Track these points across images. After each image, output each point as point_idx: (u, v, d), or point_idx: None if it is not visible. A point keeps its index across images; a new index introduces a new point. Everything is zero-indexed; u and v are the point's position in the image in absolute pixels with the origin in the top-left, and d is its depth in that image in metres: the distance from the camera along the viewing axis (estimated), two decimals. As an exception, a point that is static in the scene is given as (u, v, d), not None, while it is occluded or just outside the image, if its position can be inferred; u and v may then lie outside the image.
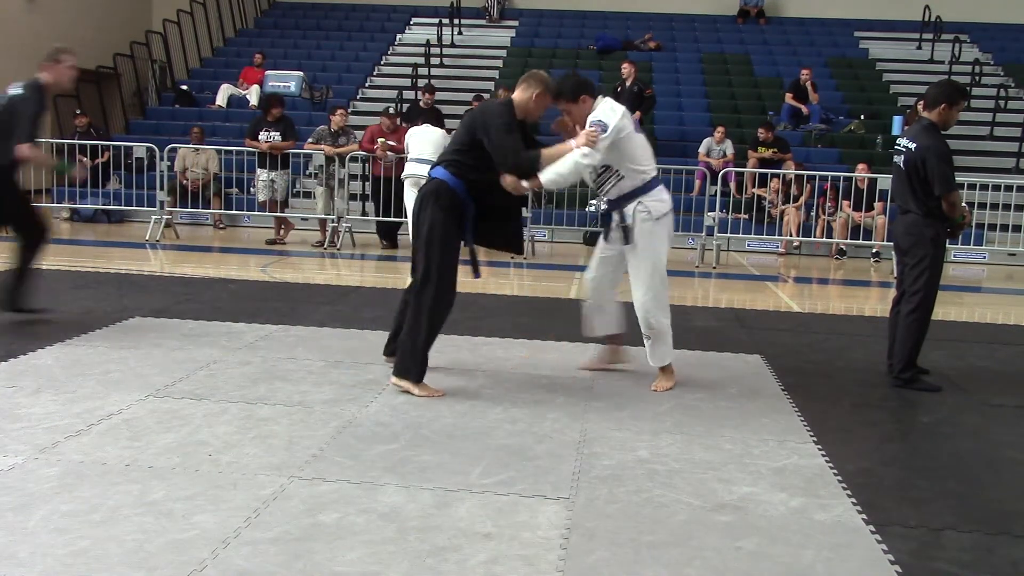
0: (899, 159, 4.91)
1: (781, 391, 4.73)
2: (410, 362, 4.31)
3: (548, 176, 4.31)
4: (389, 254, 10.28)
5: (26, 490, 3.06)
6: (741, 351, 5.58)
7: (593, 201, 6.56)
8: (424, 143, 9.53)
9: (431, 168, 4.46)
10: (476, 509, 3.06)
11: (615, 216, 4.55)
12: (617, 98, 13.52)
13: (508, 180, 4.25)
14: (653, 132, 13.99)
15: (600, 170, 4.46)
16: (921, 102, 12.96)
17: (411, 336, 4.30)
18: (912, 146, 4.81)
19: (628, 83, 12.62)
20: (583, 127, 4.39)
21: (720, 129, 12.52)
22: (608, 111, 4.36)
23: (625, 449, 3.72)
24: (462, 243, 4.37)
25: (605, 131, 4.27)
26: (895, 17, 17.77)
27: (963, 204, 5.03)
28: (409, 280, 4.52)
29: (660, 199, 4.51)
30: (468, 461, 3.50)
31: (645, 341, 4.64)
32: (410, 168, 9.36)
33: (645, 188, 4.48)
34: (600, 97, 4.46)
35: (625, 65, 12.92)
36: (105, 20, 17.20)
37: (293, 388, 4.40)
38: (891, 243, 10.04)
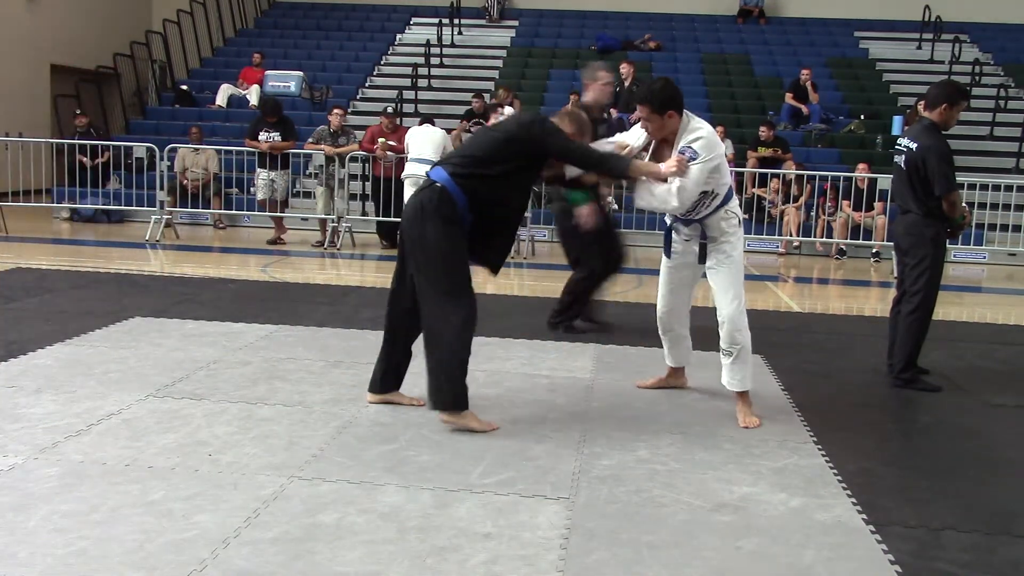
0: (899, 159, 4.91)
1: (781, 391, 4.73)
2: (458, 390, 3.82)
3: (644, 200, 4.03)
4: (389, 254, 10.27)
5: (26, 490, 3.06)
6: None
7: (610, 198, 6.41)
8: (424, 143, 9.54)
9: (431, 168, 4.01)
10: (476, 509, 3.05)
11: (686, 230, 4.20)
12: (616, 98, 13.52)
13: (589, 181, 4.13)
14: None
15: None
16: (922, 102, 12.96)
17: (450, 361, 3.78)
18: (913, 146, 4.81)
19: (627, 83, 12.61)
20: (663, 141, 4.06)
21: (719, 129, 12.52)
22: (704, 139, 3.92)
23: (625, 449, 3.72)
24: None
25: (695, 159, 3.88)
26: (895, 17, 17.77)
27: (963, 204, 5.04)
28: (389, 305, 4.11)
29: (737, 203, 4.21)
30: (468, 461, 3.50)
31: (724, 359, 4.18)
32: (410, 168, 9.37)
33: (728, 197, 4.13)
34: (688, 115, 4.01)
35: (624, 65, 12.92)
36: (105, 20, 17.21)
37: (293, 388, 4.40)
38: (891, 243, 10.10)
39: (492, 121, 12.46)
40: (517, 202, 4.03)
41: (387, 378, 4.17)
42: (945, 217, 4.81)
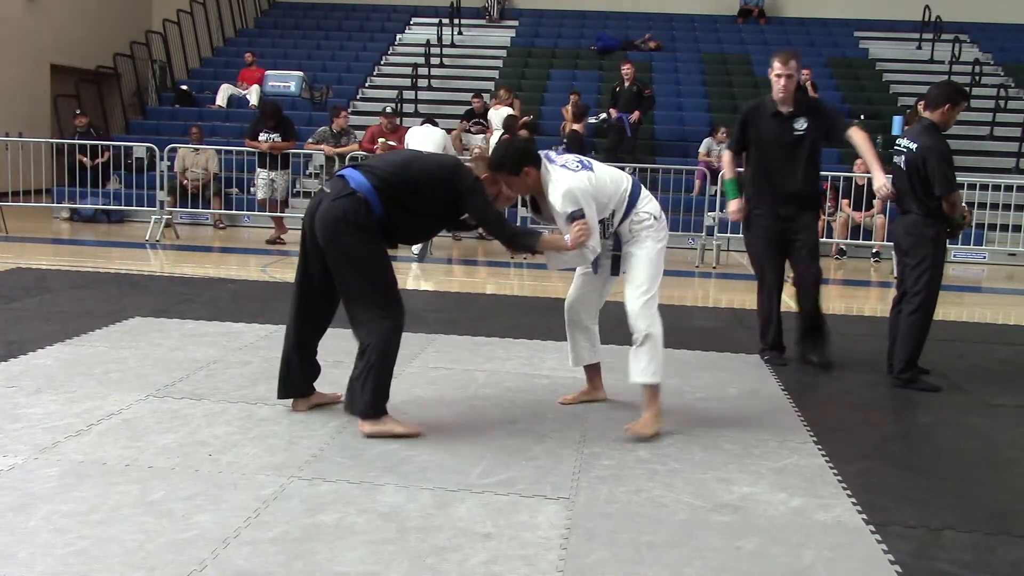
0: (899, 159, 4.91)
1: (781, 391, 4.73)
2: (379, 397, 3.75)
3: (558, 264, 3.96)
4: (389, 254, 10.26)
5: (26, 490, 3.06)
6: (741, 351, 5.58)
7: None
8: (425, 143, 9.55)
9: (352, 169, 3.77)
10: (476, 509, 3.06)
11: (607, 243, 4.04)
12: (616, 98, 13.48)
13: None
14: (653, 132, 14.01)
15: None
16: (922, 102, 12.95)
17: (379, 367, 3.70)
18: (913, 146, 4.81)
19: (627, 83, 12.62)
20: (523, 195, 4.02)
21: (722, 129, 12.51)
22: (567, 191, 3.76)
23: (625, 449, 3.72)
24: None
25: (583, 218, 3.75)
26: (895, 17, 17.77)
27: (964, 205, 5.04)
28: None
29: (649, 199, 4.04)
30: (468, 461, 3.50)
31: (631, 349, 3.99)
32: None
33: (631, 204, 3.98)
34: (545, 163, 3.87)
35: (626, 66, 12.93)
36: (105, 20, 17.21)
37: (293, 388, 4.39)
38: (891, 243, 10.10)
39: (493, 113, 12.47)
40: (433, 221, 3.95)
41: (307, 379, 4.07)
42: (945, 217, 4.81)
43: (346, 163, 10.62)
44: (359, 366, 3.74)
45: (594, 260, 4.07)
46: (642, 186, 4.09)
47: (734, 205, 5.46)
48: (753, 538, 2.93)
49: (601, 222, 3.93)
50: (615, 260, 4.06)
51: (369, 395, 3.71)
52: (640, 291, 3.92)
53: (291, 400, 4.09)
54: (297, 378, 4.04)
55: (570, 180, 3.79)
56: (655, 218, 4.00)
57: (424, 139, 9.63)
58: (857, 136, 5.19)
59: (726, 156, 5.61)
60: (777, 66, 5.11)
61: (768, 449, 3.80)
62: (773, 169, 5.23)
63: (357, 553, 2.71)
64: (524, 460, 3.54)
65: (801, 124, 5.15)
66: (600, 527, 2.96)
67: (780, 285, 5.45)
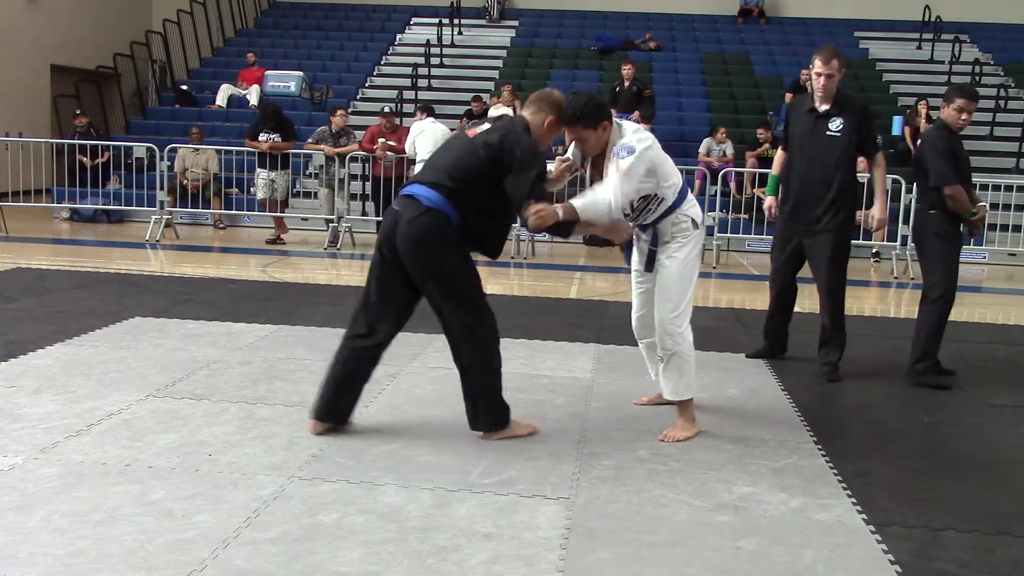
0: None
1: (781, 391, 4.73)
2: (499, 409, 3.78)
3: (583, 214, 3.65)
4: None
5: (26, 490, 3.06)
6: (741, 351, 5.57)
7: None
8: (431, 144, 9.59)
9: (421, 185, 3.64)
10: (476, 509, 3.06)
11: (644, 236, 3.99)
12: (616, 98, 13.47)
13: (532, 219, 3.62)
14: (653, 132, 13.98)
15: (637, 202, 3.83)
16: (923, 102, 12.93)
17: (489, 382, 3.73)
18: (919, 142, 4.93)
19: (627, 83, 12.62)
20: (598, 156, 3.84)
21: (722, 130, 12.52)
22: (635, 136, 3.74)
23: (625, 449, 3.72)
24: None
25: (631, 157, 3.64)
26: (895, 17, 17.77)
27: (981, 202, 5.02)
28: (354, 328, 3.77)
29: (693, 203, 3.95)
30: (468, 461, 3.50)
31: (659, 365, 4.02)
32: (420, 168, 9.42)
33: (679, 201, 3.89)
34: (617, 123, 3.81)
35: (627, 66, 12.93)
36: (105, 20, 17.21)
37: (293, 388, 4.39)
38: (891, 243, 10.14)
39: (492, 112, 12.46)
40: (505, 208, 3.72)
41: (346, 406, 3.81)
42: (948, 211, 4.82)
43: (346, 163, 10.63)
44: (469, 383, 3.72)
45: (627, 250, 4.09)
46: (690, 191, 4.02)
47: (767, 201, 5.39)
48: (753, 538, 2.93)
49: (644, 198, 3.82)
50: (650, 255, 3.96)
51: (491, 412, 3.74)
52: (668, 307, 3.87)
53: (314, 422, 3.79)
54: (334, 403, 3.78)
55: (647, 137, 3.75)
56: (695, 224, 3.91)
57: (431, 141, 9.66)
58: (879, 169, 5.03)
59: (777, 154, 5.40)
60: (818, 64, 4.94)
61: (768, 449, 3.80)
62: (800, 166, 5.00)
63: (357, 553, 2.71)
64: (524, 460, 3.54)
65: (836, 125, 4.91)
66: (600, 527, 2.96)
67: (785, 285, 5.28)
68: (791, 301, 5.38)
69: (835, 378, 5.00)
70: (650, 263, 3.97)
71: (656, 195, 3.82)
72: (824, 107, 4.97)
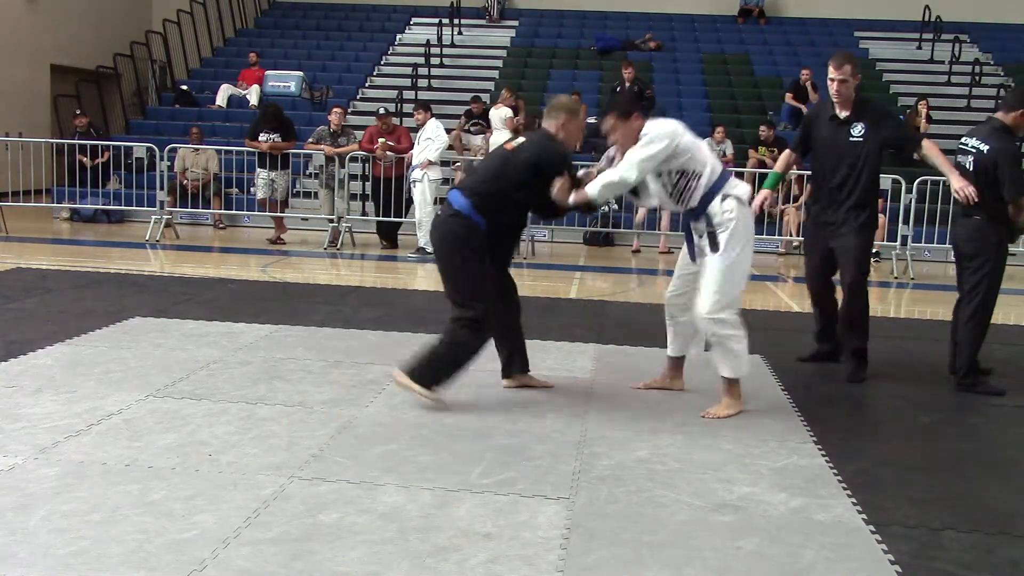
0: (965, 159, 4.79)
1: (781, 391, 4.73)
2: (437, 373, 4.14)
3: (594, 189, 4.12)
4: (389, 254, 10.28)
5: (26, 490, 3.06)
6: (741, 351, 5.56)
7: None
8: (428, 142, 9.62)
9: (451, 191, 4.25)
10: (476, 509, 3.06)
11: (696, 226, 4.22)
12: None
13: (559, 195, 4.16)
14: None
15: (675, 178, 4.14)
16: (923, 102, 12.85)
17: (455, 352, 4.17)
18: (984, 148, 4.68)
19: (627, 83, 12.62)
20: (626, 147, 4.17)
21: (720, 129, 12.52)
22: (661, 124, 4.13)
23: (625, 449, 3.72)
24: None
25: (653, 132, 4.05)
26: (895, 17, 17.76)
27: None
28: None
29: (738, 183, 4.20)
30: (468, 461, 3.50)
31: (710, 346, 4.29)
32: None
33: (723, 180, 4.15)
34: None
35: (627, 69, 12.93)
36: (105, 20, 17.21)
37: (293, 388, 4.40)
38: (891, 243, 10.13)
39: (493, 113, 12.47)
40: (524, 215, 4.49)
41: (512, 362, 4.56)
42: (1008, 221, 4.76)
43: (346, 163, 10.63)
44: (438, 343, 4.20)
45: (689, 245, 4.31)
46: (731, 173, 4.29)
47: (762, 194, 5.38)
48: (753, 538, 2.93)
49: (682, 174, 4.12)
50: (711, 237, 4.14)
51: (429, 367, 4.12)
52: (706, 299, 4.14)
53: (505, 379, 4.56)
54: (504, 362, 4.58)
55: (672, 122, 4.18)
56: (740, 203, 4.12)
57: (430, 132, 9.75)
58: (932, 152, 4.97)
59: (784, 153, 5.52)
60: (831, 70, 4.94)
61: (768, 449, 3.80)
62: (825, 172, 5.05)
63: (357, 553, 2.71)
64: (524, 460, 3.54)
65: (858, 130, 4.92)
66: (600, 527, 2.96)
67: (821, 287, 5.31)
68: (832, 304, 5.34)
69: (857, 379, 5.05)
70: (714, 244, 4.13)
71: (693, 170, 4.10)
72: (844, 113, 4.98)
